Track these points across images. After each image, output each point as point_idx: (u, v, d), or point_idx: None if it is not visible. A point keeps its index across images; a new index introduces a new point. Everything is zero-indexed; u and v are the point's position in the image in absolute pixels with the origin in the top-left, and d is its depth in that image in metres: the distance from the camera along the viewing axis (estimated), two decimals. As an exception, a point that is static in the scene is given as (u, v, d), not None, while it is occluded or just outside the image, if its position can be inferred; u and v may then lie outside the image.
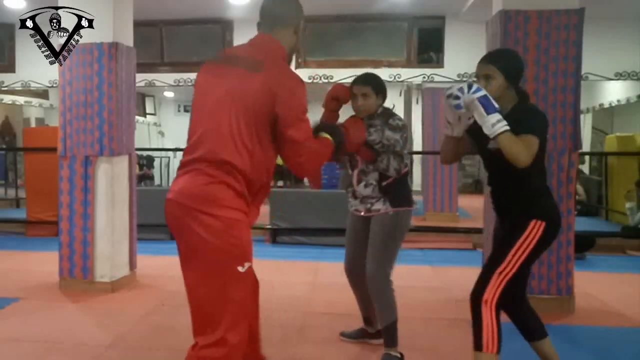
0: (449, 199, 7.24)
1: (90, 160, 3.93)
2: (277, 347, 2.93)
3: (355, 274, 2.77)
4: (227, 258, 1.67)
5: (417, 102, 7.83)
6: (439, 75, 6.78)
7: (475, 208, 7.19)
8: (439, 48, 6.89)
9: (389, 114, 2.63)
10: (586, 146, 8.69)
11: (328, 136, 1.98)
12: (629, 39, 6.42)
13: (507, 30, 3.48)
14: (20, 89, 7.72)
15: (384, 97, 2.69)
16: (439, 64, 6.87)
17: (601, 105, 8.57)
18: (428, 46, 6.97)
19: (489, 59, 2.19)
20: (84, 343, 2.96)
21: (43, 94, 9.95)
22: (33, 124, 11.14)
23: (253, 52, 1.82)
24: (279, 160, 1.93)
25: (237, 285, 1.69)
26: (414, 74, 6.80)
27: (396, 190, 2.61)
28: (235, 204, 1.70)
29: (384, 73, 6.69)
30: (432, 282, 4.35)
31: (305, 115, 1.79)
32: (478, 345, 2.14)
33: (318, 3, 6.43)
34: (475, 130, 2.15)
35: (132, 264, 4.21)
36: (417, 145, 8.04)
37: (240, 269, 1.68)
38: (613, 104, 8.27)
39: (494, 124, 1.98)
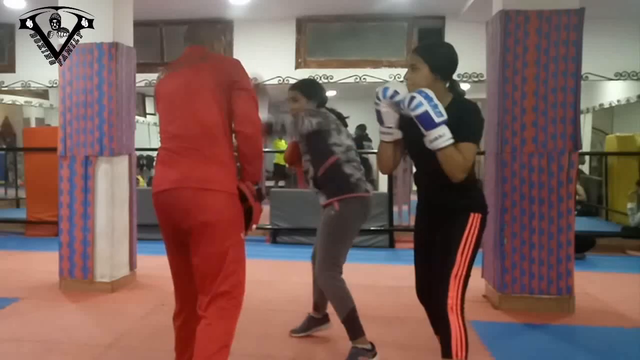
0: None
1: (90, 160, 3.93)
2: (277, 346, 2.94)
3: (314, 264, 2.88)
4: (234, 227, 2.02)
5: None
6: (439, 75, 6.76)
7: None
8: (439, 48, 6.88)
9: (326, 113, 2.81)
10: (586, 146, 8.68)
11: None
12: (629, 39, 6.42)
13: (507, 30, 3.48)
14: (20, 89, 7.71)
15: (316, 99, 2.85)
16: (439, 64, 6.86)
17: (601, 105, 8.56)
18: (428, 46, 6.96)
19: (416, 50, 2.16)
20: (84, 343, 2.96)
21: (43, 94, 9.94)
22: (33, 124, 11.13)
23: (193, 54, 2.18)
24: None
25: (241, 249, 2.05)
26: (414, 74, 6.78)
27: (329, 179, 2.69)
28: (231, 180, 2.03)
29: (384, 73, 6.70)
30: (432, 282, 4.34)
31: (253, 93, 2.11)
32: (447, 353, 2.06)
33: (318, 3, 6.44)
34: (406, 125, 2.09)
35: (132, 264, 4.21)
36: (417, 145, 8.02)
37: (242, 235, 2.06)
38: (613, 104, 8.26)
39: (432, 141, 1.95)
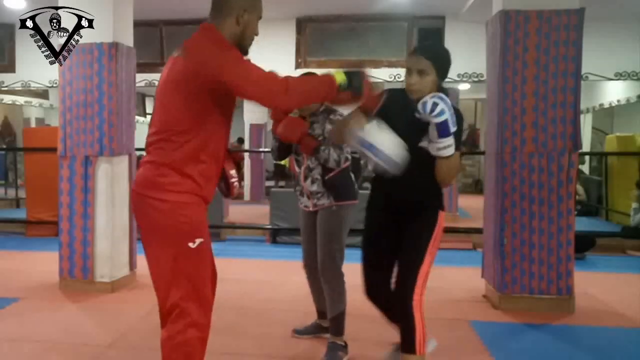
0: (449, 199, 7.22)
1: (90, 160, 3.93)
2: (277, 346, 2.94)
3: (312, 267, 2.88)
4: (177, 235, 1.80)
5: (417, 102, 7.83)
6: (439, 75, 6.77)
7: (475, 208, 7.19)
8: (439, 48, 6.88)
9: (330, 110, 2.78)
10: (586, 146, 8.69)
11: (339, 75, 1.82)
12: (629, 39, 6.42)
13: (507, 30, 3.48)
14: (20, 89, 7.72)
15: None
16: (439, 64, 6.86)
17: (601, 105, 8.57)
18: (428, 46, 6.96)
19: (425, 55, 2.08)
20: (84, 343, 2.96)
21: (43, 94, 9.95)
22: (33, 124, 11.14)
23: (189, 40, 1.90)
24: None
25: (188, 260, 1.81)
26: (414, 74, 6.78)
27: (339, 184, 2.74)
28: (183, 187, 1.81)
29: (384, 73, 6.69)
30: (432, 282, 4.32)
31: (237, 58, 1.78)
32: (410, 348, 2.08)
33: (318, 3, 6.44)
34: (397, 122, 2.06)
35: (132, 264, 4.21)
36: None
37: (190, 244, 1.81)
38: (613, 104, 8.26)
39: (440, 149, 1.99)
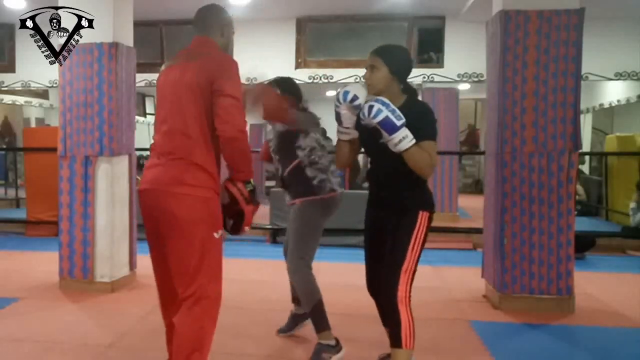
0: (449, 199, 7.23)
1: (90, 160, 3.93)
2: (277, 346, 2.94)
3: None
4: (204, 228, 2.02)
5: (417, 102, 7.83)
6: (439, 75, 6.77)
7: (475, 208, 7.18)
8: (439, 48, 6.88)
9: (305, 112, 2.84)
10: (586, 146, 8.68)
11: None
12: (629, 39, 6.41)
13: (507, 30, 3.48)
14: (20, 89, 7.71)
15: (296, 97, 2.85)
16: (439, 64, 6.86)
17: (601, 105, 8.56)
18: (428, 46, 6.96)
19: (376, 51, 2.26)
20: (84, 343, 2.96)
21: (43, 94, 9.94)
22: (33, 124, 11.12)
23: (193, 48, 2.16)
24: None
25: (212, 250, 2.06)
26: (414, 74, 6.64)
27: (295, 182, 2.79)
28: (208, 183, 2.03)
29: (384, 73, 6.68)
30: (432, 282, 4.35)
31: (238, 90, 2.02)
32: (397, 343, 2.17)
33: (318, 3, 6.44)
34: (363, 126, 2.20)
35: (132, 264, 4.21)
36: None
37: (215, 234, 2.05)
38: (613, 104, 8.26)
39: (397, 144, 2.06)
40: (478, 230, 4.64)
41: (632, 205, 6.37)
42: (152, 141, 2.22)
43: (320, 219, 2.80)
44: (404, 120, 2.05)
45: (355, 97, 2.18)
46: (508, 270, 3.55)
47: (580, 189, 7.80)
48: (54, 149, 4.09)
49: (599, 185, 7.99)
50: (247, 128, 2.10)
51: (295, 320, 3.05)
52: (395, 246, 2.23)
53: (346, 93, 2.19)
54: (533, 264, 3.52)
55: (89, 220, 3.94)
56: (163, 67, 2.20)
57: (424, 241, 2.24)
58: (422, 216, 2.22)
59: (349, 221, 4.40)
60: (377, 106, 2.05)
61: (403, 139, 2.05)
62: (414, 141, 2.06)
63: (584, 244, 5.20)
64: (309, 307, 2.74)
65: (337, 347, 2.69)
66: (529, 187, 3.51)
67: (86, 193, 3.94)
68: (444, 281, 4.42)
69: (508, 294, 3.57)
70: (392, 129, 2.05)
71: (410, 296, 2.20)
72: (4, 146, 11.57)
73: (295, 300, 3.02)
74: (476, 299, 3.86)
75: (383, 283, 2.25)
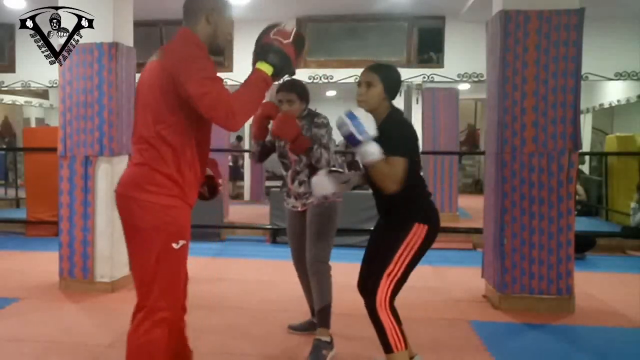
0: (449, 199, 7.24)
1: (90, 160, 3.93)
2: (277, 346, 2.94)
3: (302, 265, 2.95)
4: (163, 235, 1.85)
5: (417, 102, 7.83)
6: (439, 75, 6.78)
7: (475, 208, 7.19)
8: (439, 48, 6.89)
9: (313, 114, 2.88)
10: (586, 146, 8.69)
11: (263, 66, 1.86)
12: (629, 39, 6.42)
13: (507, 30, 3.48)
14: (20, 89, 7.72)
15: (307, 101, 2.92)
16: (439, 64, 6.87)
17: (601, 105, 8.57)
18: (428, 46, 6.97)
19: (374, 69, 2.29)
20: (84, 343, 2.96)
21: (43, 94, 9.95)
22: (33, 124, 11.14)
23: (168, 45, 1.94)
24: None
25: (169, 260, 1.87)
26: (414, 74, 6.79)
27: None
28: (170, 190, 1.86)
29: (384, 73, 6.69)
30: (432, 282, 4.35)
31: (207, 72, 1.79)
32: (388, 348, 2.19)
33: (318, 3, 6.44)
34: None
35: (132, 264, 4.21)
36: (417, 146, 8.03)
37: (174, 245, 1.87)
38: (613, 104, 8.26)
39: (363, 157, 2.13)
40: (478, 230, 4.64)
41: (632, 205, 6.37)
42: None
43: (337, 220, 2.90)
44: (368, 134, 2.08)
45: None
46: (508, 270, 3.55)
47: (580, 189, 7.81)
48: (54, 149, 4.09)
49: (599, 185, 8.00)
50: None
51: (311, 326, 3.05)
52: (382, 249, 2.26)
53: (340, 120, 2.16)
54: (533, 264, 3.52)
55: (89, 220, 3.94)
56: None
57: (418, 254, 2.23)
58: (419, 228, 2.22)
59: (348, 221, 4.41)
60: (342, 119, 2.11)
61: (366, 154, 2.10)
62: (377, 157, 2.09)
63: (584, 244, 5.20)
64: (322, 303, 2.83)
65: (331, 344, 2.80)
66: (529, 187, 3.51)
67: (86, 193, 3.94)
68: (444, 281, 4.42)
69: (508, 294, 3.57)
70: (354, 142, 2.10)
71: (390, 302, 2.20)
72: (4, 146, 11.58)
73: (314, 312, 3.01)
74: (476, 299, 3.86)
75: (366, 284, 2.27)
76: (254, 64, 1.90)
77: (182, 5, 1.99)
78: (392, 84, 2.30)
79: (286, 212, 3.03)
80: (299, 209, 2.91)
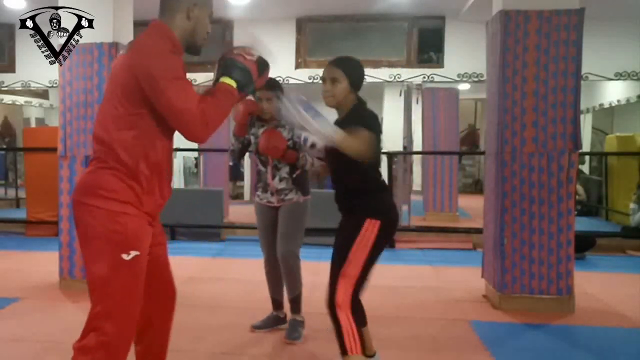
0: (449, 199, 7.23)
1: (90, 160, 3.92)
2: (277, 346, 2.94)
3: (274, 259, 3.06)
4: (111, 244, 1.69)
5: (417, 102, 7.84)
6: (439, 75, 6.77)
7: (475, 208, 7.18)
8: (439, 48, 6.89)
9: None
10: (586, 146, 8.68)
11: (227, 80, 1.78)
12: (629, 39, 6.41)
13: (507, 30, 3.48)
14: (20, 89, 7.71)
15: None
16: (439, 64, 6.87)
17: (601, 105, 8.56)
18: (428, 46, 6.97)
19: (337, 64, 2.29)
20: (84, 343, 2.96)
21: (43, 94, 9.94)
22: (33, 124, 11.13)
23: (136, 40, 1.81)
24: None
25: (118, 272, 1.69)
26: (414, 74, 6.79)
27: (304, 181, 3.02)
28: (122, 196, 1.71)
29: (384, 73, 6.70)
30: (432, 282, 4.35)
31: (183, 81, 1.70)
32: (343, 350, 2.17)
33: (318, 3, 6.44)
34: None
35: (132, 264, 4.20)
36: (417, 146, 8.03)
37: (124, 256, 1.69)
38: (613, 104, 8.26)
39: (321, 137, 2.07)
40: (478, 230, 4.64)
41: (632, 205, 6.37)
42: None
43: (308, 216, 3.08)
44: (317, 117, 2.03)
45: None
46: (508, 270, 3.55)
47: (580, 189, 7.81)
48: (54, 149, 4.09)
49: (599, 185, 8.00)
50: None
51: (274, 322, 3.19)
52: (337, 249, 2.25)
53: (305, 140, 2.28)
54: (533, 264, 3.52)
55: (89, 220, 3.94)
56: None
57: (374, 250, 2.19)
58: (370, 223, 2.18)
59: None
60: (283, 106, 2.08)
61: (327, 131, 2.02)
62: (337, 130, 2.02)
63: (584, 244, 5.20)
64: (295, 292, 3.03)
65: (303, 323, 3.06)
66: (529, 187, 3.51)
67: (86, 193, 3.94)
68: (444, 281, 4.42)
69: (508, 294, 3.57)
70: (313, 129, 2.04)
71: (352, 302, 2.17)
72: (4, 146, 11.58)
73: (277, 304, 3.19)
74: (476, 299, 3.86)
75: (328, 287, 2.24)
76: (216, 79, 1.81)
77: None
78: (357, 77, 2.29)
79: (257, 207, 3.12)
80: (275, 204, 3.01)
